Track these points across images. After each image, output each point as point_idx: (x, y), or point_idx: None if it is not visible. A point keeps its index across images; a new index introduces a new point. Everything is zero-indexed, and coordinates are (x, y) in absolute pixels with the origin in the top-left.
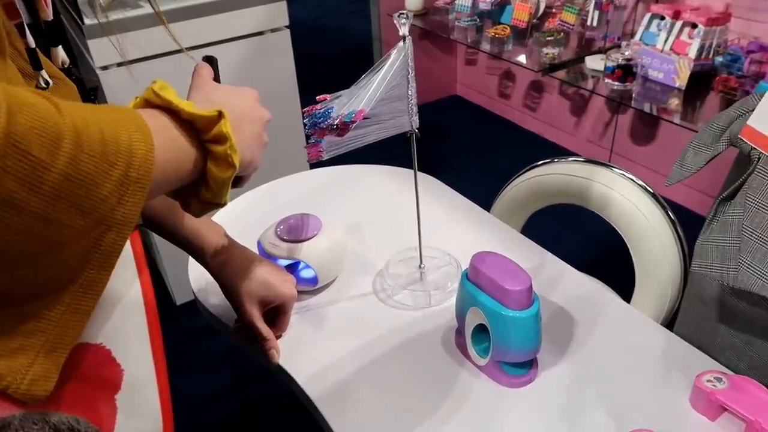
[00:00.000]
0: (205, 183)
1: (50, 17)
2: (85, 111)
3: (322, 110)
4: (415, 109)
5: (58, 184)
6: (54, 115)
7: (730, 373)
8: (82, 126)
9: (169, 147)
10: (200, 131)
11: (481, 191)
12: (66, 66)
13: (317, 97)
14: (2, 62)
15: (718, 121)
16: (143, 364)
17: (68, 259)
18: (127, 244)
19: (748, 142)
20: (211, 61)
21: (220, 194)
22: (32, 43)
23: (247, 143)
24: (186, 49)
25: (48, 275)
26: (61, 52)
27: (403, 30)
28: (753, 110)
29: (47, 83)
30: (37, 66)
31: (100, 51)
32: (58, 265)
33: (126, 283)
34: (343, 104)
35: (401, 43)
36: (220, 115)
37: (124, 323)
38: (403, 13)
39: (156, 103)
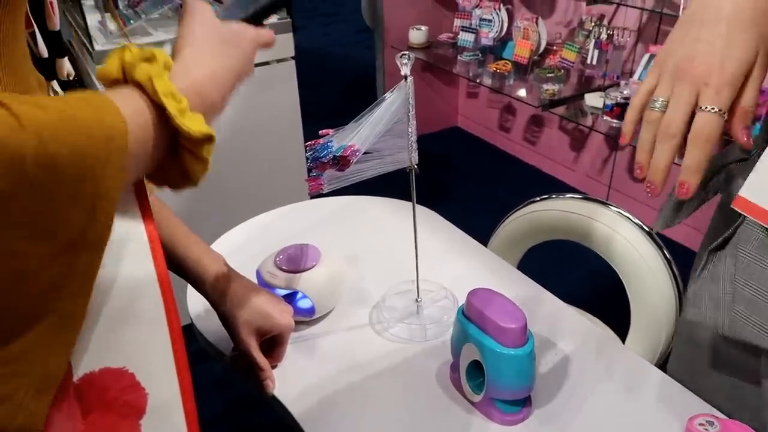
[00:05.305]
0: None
1: (57, 27)
2: (55, 117)
3: (323, 144)
4: (414, 146)
5: (17, 211)
6: (14, 130)
7: (722, 416)
8: (49, 139)
9: (142, 147)
10: (180, 137)
11: (480, 222)
12: (71, 78)
13: (320, 132)
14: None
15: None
16: (168, 385)
17: (37, 290)
18: (147, 253)
19: (742, 212)
20: None
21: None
22: (45, 53)
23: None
24: None
25: (16, 312)
26: (66, 64)
27: (405, 70)
28: (737, 161)
29: (56, 94)
30: (51, 75)
31: None
32: (25, 299)
33: (146, 298)
34: (342, 139)
35: (403, 82)
36: (210, 138)
37: (146, 342)
38: (405, 54)
39: (146, 90)
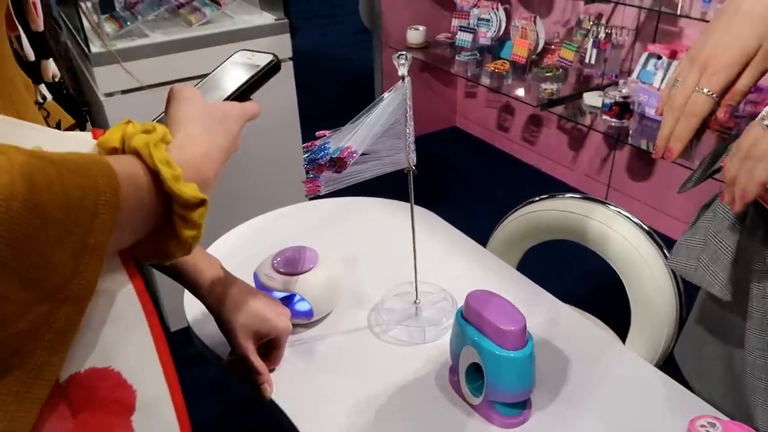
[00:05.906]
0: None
1: (41, 28)
2: (51, 166)
3: (319, 146)
4: (412, 146)
5: (1, 252)
6: (3, 170)
7: (724, 418)
8: (40, 184)
9: (134, 208)
10: (174, 202)
11: (479, 223)
12: (56, 80)
13: (317, 133)
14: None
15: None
16: (155, 382)
17: (10, 338)
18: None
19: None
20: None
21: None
22: (31, 56)
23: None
24: (188, 79)
25: None
26: (51, 65)
27: (402, 70)
28: None
29: (44, 98)
30: (37, 79)
31: (106, 78)
32: None
33: (123, 298)
34: (339, 140)
35: (400, 83)
36: (202, 203)
37: (128, 342)
38: (402, 54)
39: (142, 156)
